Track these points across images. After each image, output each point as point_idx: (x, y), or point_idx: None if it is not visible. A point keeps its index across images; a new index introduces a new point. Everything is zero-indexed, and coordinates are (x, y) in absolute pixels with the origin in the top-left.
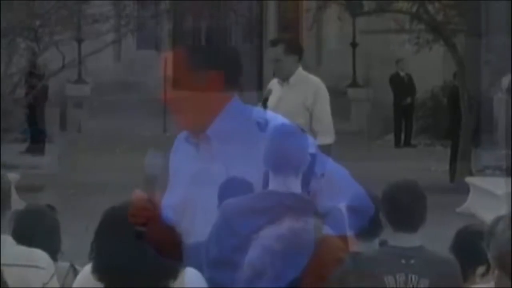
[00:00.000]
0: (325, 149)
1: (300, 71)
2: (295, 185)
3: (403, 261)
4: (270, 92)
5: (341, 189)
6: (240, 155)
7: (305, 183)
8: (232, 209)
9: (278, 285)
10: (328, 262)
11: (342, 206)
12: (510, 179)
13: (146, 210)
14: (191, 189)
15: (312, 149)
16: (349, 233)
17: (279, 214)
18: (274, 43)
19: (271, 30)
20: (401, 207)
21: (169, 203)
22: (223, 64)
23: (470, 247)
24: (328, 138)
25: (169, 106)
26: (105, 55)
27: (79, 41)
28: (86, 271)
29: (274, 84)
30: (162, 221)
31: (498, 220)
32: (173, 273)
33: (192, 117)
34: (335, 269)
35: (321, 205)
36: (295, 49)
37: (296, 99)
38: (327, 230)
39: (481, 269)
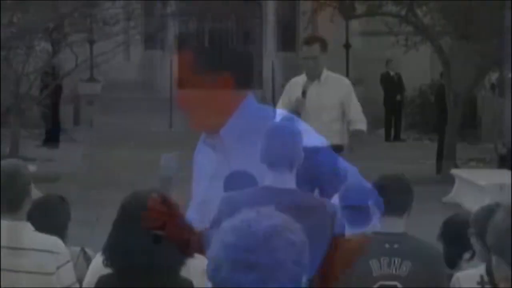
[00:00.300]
0: (361, 133)
1: (326, 69)
2: (289, 180)
3: (387, 245)
4: (307, 86)
5: (348, 185)
6: (253, 154)
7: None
8: (228, 202)
9: (235, 275)
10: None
11: (335, 197)
12: (493, 171)
13: (163, 214)
14: (209, 189)
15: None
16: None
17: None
18: (310, 41)
19: (270, 31)
20: (387, 194)
21: (194, 203)
22: (234, 66)
23: (457, 235)
24: (364, 125)
25: (183, 108)
26: (115, 56)
27: (91, 42)
28: (97, 260)
29: (295, 84)
30: (179, 222)
31: (483, 209)
32: (181, 260)
33: (206, 119)
34: (287, 254)
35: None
36: (326, 48)
37: (332, 95)
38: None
39: (467, 255)
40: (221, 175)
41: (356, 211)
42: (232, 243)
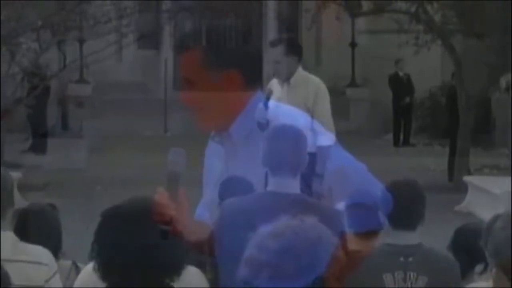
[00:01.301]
0: (325, 150)
1: (300, 71)
2: (293, 186)
3: (401, 258)
4: (271, 92)
5: (356, 184)
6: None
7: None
8: (230, 208)
9: (276, 283)
10: (324, 259)
11: (341, 204)
12: (509, 178)
13: (170, 209)
14: (217, 187)
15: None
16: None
17: (276, 215)
18: (274, 44)
19: (271, 30)
20: (400, 205)
21: (203, 202)
22: (242, 63)
23: (468, 245)
24: (328, 139)
25: (189, 107)
26: (107, 55)
27: (81, 41)
28: (88, 269)
29: (273, 84)
30: (186, 219)
31: (495, 218)
32: (175, 272)
33: (213, 117)
34: (332, 268)
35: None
36: (295, 49)
37: (296, 100)
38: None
39: (479, 267)
40: (229, 173)
41: (362, 210)
42: (277, 249)
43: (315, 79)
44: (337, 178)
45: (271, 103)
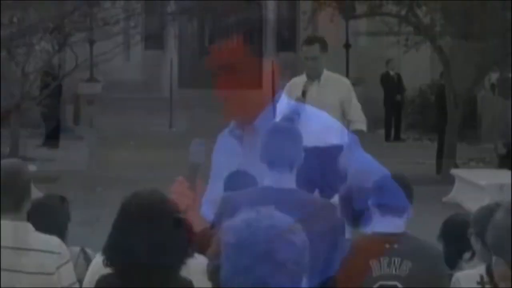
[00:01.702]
0: (361, 133)
1: (325, 70)
2: (289, 181)
3: (386, 245)
4: (306, 89)
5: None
6: None
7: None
8: (228, 203)
9: (236, 275)
10: (278, 246)
11: (335, 197)
12: (493, 170)
13: (187, 197)
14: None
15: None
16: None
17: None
18: (310, 42)
19: (270, 31)
20: (388, 192)
21: (210, 198)
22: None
23: (457, 235)
24: (364, 125)
25: (223, 100)
26: (115, 56)
27: (91, 42)
28: (98, 260)
29: (296, 83)
30: (198, 211)
31: (483, 209)
32: (183, 258)
33: (244, 110)
34: (287, 253)
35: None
36: (327, 48)
37: (332, 95)
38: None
39: (466, 255)
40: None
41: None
42: (233, 243)
43: (343, 78)
44: (331, 180)
45: (293, 101)
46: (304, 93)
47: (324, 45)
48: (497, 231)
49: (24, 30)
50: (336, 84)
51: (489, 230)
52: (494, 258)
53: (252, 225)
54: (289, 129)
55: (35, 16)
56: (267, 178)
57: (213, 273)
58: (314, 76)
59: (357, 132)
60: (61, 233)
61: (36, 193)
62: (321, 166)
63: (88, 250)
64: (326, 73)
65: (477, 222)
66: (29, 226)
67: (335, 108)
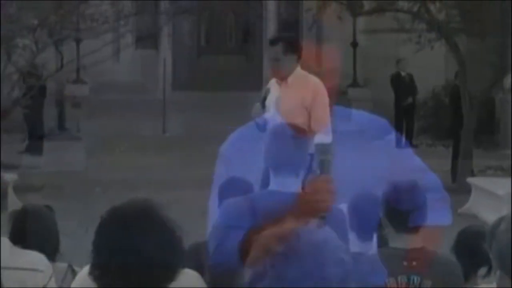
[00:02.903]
0: (324, 148)
1: (298, 70)
2: (295, 185)
3: (404, 262)
4: (268, 91)
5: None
6: None
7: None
8: (231, 209)
9: (279, 285)
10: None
11: (343, 206)
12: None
13: (332, 193)
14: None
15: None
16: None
17: (279, 215)
18: (273, 42)
19: (271, 30)
20: (402, 208)
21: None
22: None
23: (472, 248)
24: (326, 137)
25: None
26: (104, 55)
27: (78, 41)
28: (84, 273)
29: (272, 84)
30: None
31: (499, 220)
32: (171, 274)
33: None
34: (336, 270)
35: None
36: (294, 48)
37: (295, 99)
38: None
39: (482, 270)
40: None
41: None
42: (282, 253)
43: (313, 79)
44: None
45: (269, 103)
46: (264, 99)
47: (289, 46)
48: (499, 244)
49: (5, 27)
50: (301, 85)
51: (493, 245)
52: (498, 272)
53: (303, 237)
54: (293, 131)
55: (17, 12)
56: (272, 183)
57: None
58: (280, 78)
59: (320, 147)
60: (52, 245)
61: (17, 203)
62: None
63: (76, 268)
64: (296, 74)
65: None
66: (6, 242)
67: (297, 113)
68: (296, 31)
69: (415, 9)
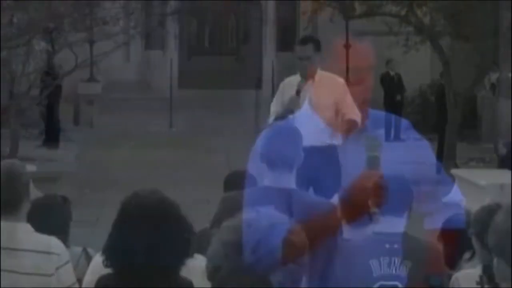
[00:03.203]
0: (353, 124)
1: (320, 69)
2: (288, 181)
3: (387, 245)
4: (301, 87)
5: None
6: None
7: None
8: (228, 202)
9: (238, 274)
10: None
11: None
12: (494, 170)
13: (384, 191)
14: None
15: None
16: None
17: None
18: (304, 41)
19: (270, 31)
20: (388, 192)
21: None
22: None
23: (456, 234)
24: (357, 117)
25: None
26: (115, 56)
27: (91, 42)
28: (97, 260)
29: (290, 83)
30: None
31: (483, 209)
32: (184, 258)
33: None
34: (287, 252)
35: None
36: (320, 48)
37: (327, 94)
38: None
39: (467, 255)
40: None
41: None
42: (233, 242)
43: (337, 77)
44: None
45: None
46: (298, 92)
47: (317, 45)
48: (498, 232)
49: (23, 30)
50: (330, 83)
51: (490, 232)
52: (495, 259)
53: (252, 225)
54: (288, 128)
55: (35, 16)
56: (267, 178)
57: (213, 272)
58: (308, 76)
59: (350, 122)
60: (64, 233)
61: (36, 193)
62: (316, 165)
63: (90, 250)
64: (320, 73)
65: (477, 222)
66: (28, 227)
67: (329, 108)
68: (292, 32)
69: (403, 13)
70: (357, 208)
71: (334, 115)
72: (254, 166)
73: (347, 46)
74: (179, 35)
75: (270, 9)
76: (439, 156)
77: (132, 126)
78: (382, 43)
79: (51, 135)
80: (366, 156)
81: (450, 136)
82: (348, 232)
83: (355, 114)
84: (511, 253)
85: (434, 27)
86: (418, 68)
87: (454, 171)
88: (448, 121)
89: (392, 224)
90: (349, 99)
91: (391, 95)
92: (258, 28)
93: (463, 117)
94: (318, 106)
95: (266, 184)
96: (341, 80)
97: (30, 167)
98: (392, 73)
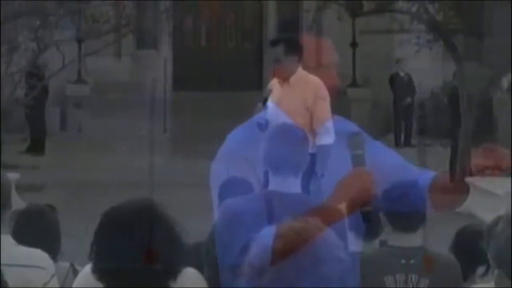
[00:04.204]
0: (325, 149)
1: (300, 71)
2: (294, 185)
3: (403, 261)
4: (269, 92)
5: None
6: None
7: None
8: (230, 209)
9: (279, 285)
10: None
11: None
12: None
13: (372, 183)
14: None
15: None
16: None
17: (279, 214)
18: (274, 43)
19: (271, 30)
20: (401, 207)
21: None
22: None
23: (470, 247)
24: (328, 138)
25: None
26: (105, 55)
27: (79, 41)
28: (86, 271)
29: (274, 84)
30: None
31: (498, 219)
32: (173, 273)
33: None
34: (333, 268)
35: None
36: (295, 49)
37: (296, 99)
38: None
39: (481, 269)
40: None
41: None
42: (280, 250)
43: (315, 79)
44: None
45: (270, 103)
46: (265, 100)
47: (291, 47)
48: (497, 243)
49: (8, 28)
50: (303, 86)
51: (491, 243)
52: (496, 271)
53: (302, 235)
54: (293, 131)
55: (19, 13)
56: (272, 183)
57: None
58: (282, 78)
59: (321, 148)
60: (52, 245)
61: (19, 202)
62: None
63: (78, 267)
64: (297, 74)
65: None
66: (9, 240)
67: (298, 114)
68: (296, 31)
69: (414, 9)
70: (351, 206)
71: (307, 121)
72: (222, 167)
73: (353, 45)
74: (173, 34)
75: (271, 7)
76: (453, 163)
77: (123, 129)
78: (391, 41)
79: (36, 141)
80: (351, 155)
81: (464, 142)
82: (356, 245)
83: (325, 132)
84: (511, 264)
85: (447, 24)
86: (430, 68)
87: (468, 179)
88: (462, 125)
89: (407, 238)
90: (320, 105)
91: (400, 97)
92: (259, 27)
93: (478, 121)
94: (289, 112)
95: (271, 188)
96: (315, 81)
97: (13, 175)
98: (402, 73)
